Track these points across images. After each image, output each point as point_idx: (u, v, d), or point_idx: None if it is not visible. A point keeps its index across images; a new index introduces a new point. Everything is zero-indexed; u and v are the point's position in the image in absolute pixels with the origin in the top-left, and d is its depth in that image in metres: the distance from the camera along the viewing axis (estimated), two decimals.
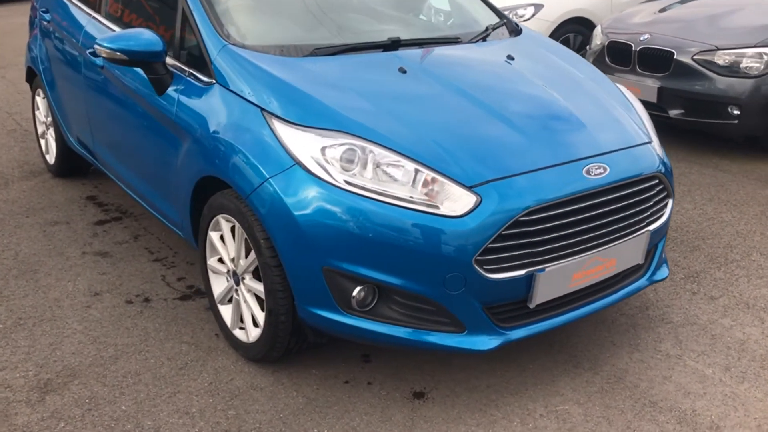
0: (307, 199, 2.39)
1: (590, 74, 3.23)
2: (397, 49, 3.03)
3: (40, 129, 4.98)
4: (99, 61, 3.53)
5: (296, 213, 2.40)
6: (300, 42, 2.97)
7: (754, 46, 5.23)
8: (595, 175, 2.51)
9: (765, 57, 5.16)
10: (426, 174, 2.37)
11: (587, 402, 2.66)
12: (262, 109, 2.60)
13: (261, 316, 2.70)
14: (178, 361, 2.88)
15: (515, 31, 3.53)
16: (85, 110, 3.89)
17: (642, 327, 3.14)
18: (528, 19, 7.58)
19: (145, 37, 2.94)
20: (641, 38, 5.69)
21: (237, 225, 2.67)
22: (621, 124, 2.85)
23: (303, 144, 2.46)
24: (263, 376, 2.78)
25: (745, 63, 5.24)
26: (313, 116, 2.52)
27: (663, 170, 2.76)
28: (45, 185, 4.74)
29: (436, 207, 2.32)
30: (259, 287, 2.66)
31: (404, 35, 3.16)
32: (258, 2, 3.28)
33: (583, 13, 7.40)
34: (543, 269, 2.41)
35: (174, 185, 3.07)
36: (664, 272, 2.97)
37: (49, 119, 4.75)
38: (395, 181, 2.38)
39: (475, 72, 2.96)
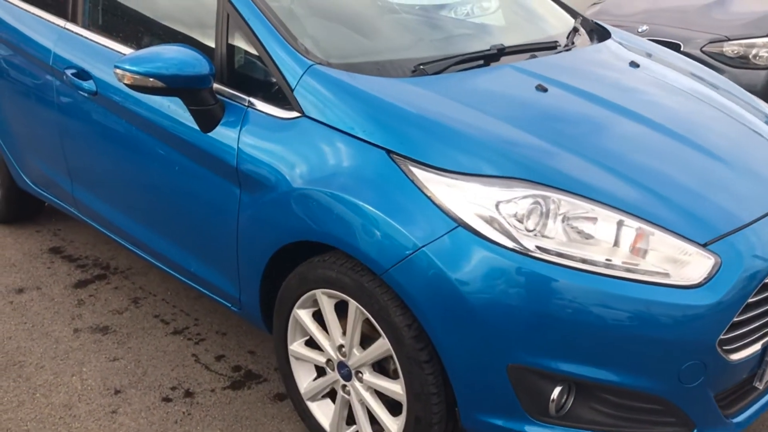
0: (482, 274, 1.75)
1: (722, 82, 2.76)
2: (498, 60, 2.43)
3: None
4: (88, 86, 2.71)
5: (467, 292, 1.76)
6: (393, 56, 2.30)
7: (765, 36, 4.98)
8: None
9: None
10: (637, 228, 1.79)
11: None
12: (390, 152, 1.93)
13: (390, 423, 2.05)
14: None
15: (596, 29, 3.00)
16: (60, 147, 3.04)
17: None
18: (494, 12, 7.12)
19: (184, 56, 2.20)
20: (640, 29, 5.32)
21: (355, 305, 2.00)
22: None
23: (466, 198, 1.81)
24: None
25: (755, 53, 4.97)
26: (471, 158, 1.88)
27: None
28: None
29: (664, 275, 1.75)
30: (390, 386, 2.01)
31: (496, 40, 2.55)
32: (320, 5, 2.57)
33: None
34: None
35: (229, 250, 2.34)
36: None
37: None
38: (592, 239, 1.79)
39: (628, 88, 2.39)
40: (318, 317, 2.20)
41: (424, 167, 1.87)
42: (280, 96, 2.17)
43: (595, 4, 6.20)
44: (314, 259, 2.11)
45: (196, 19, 2.48)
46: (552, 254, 1.75)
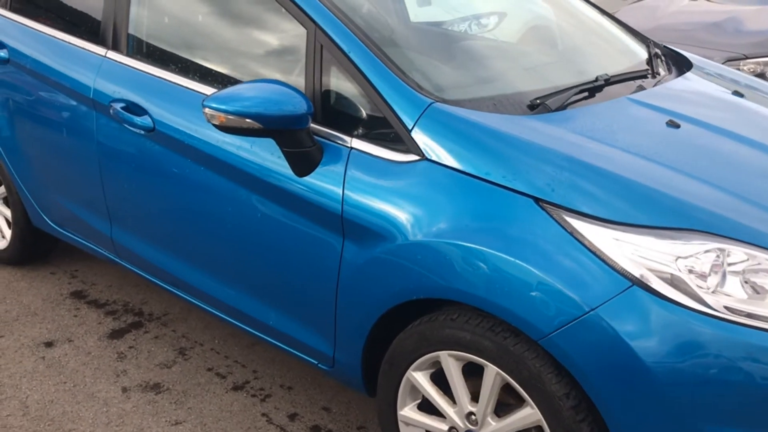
0: (667, 339, 1.58)
1: None
2: (601, 90, 2.26)
3: None
4: (142, 122, 2.45)
5: (649, 360, 1.58)
6: (501, 89, 2.12)
7: None
8: None
9: None
10: None
11: None
12: (538, 200, 1.74)
13: None
14: None
15: (668, 53, 2.86)
16: (99, 186, 2.76)
17: None
18: (492, 30, 7.01)
19: (282, 94, 1.98)
20: None
21: (495, 371, 1.80)
22: None
23: (638, 253, 1.64)
24: None
25: None
26: (638, 207, 1.70)
27: None
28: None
29: None
30: None
31: (583, 67, 2.40)
32: (415, 34, 2.37)
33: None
34: None
35: (324, 305, 2.12)
36: None
37: None
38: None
39: (752, 121, 2.25)
40: (436, 378, 1.99)
41: (583, 218, 1.69)
42: (392, 136, 1.96)
43: None
44: (438, 316, 1.90)
45: (280, 49, 2.26)
46: (741, 315, 1.58)
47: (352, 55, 2.03)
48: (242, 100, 1.97)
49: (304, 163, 2.05)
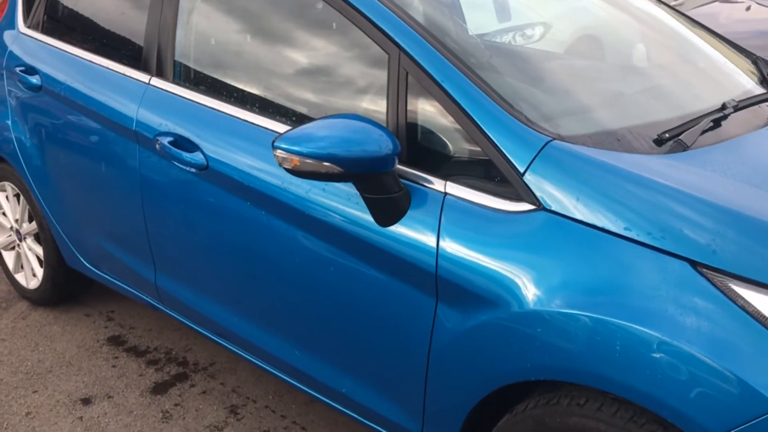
0: None
1: None
2: (727, 118, 1.93)
3: (2, 238, 3.41)
4: (193, 158, 2.16)
5: None
6: (622, 122, 1.79)
7: None
8: None
9: None
10: None
11: None
12: (696, 264, 1.41)
13: None
14: None
15: None
16: (141, 228, 2.48)
17: None
18: (537, 41, 6.69)
19: (365, 131, 1.67)
20: None
21: None
22: None
23: None
24: None
25: None
26: None
27: None
28: (30, 325, 3.20)
29: None
30: None
31: (710, 92, 2.07)
32: (508, 55, 2.05)
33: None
34: None
35: (410, 377, 1.80)
36: None
37: (27, 226, 3.23)
38: None
39: None
40: None
41: (758, 287, 1.36)
42: (497, 180, 1.64)
43: None
44: (560, 400, 1.57)
45: (355, 77, 1.94)
46: None
47: (445, 84, 1.71)
48: (318, 140, 1.66)
49: (388, 211, 1.73)
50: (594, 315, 1.45)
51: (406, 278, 1.75)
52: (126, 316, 3.26)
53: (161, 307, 2.64)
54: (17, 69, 2.91)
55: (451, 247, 1.65)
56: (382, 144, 1.67)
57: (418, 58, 1.76)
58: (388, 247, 1.75)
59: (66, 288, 3.27)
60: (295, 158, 1.66)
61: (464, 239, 1.64)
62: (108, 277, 2.87)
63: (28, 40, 2.94)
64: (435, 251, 1.68)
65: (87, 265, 2.95)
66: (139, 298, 2.75)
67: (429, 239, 1.69)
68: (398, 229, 1.74)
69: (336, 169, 1.65)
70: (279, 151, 1.67)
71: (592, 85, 2.03)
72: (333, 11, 1.93)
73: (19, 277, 3.38)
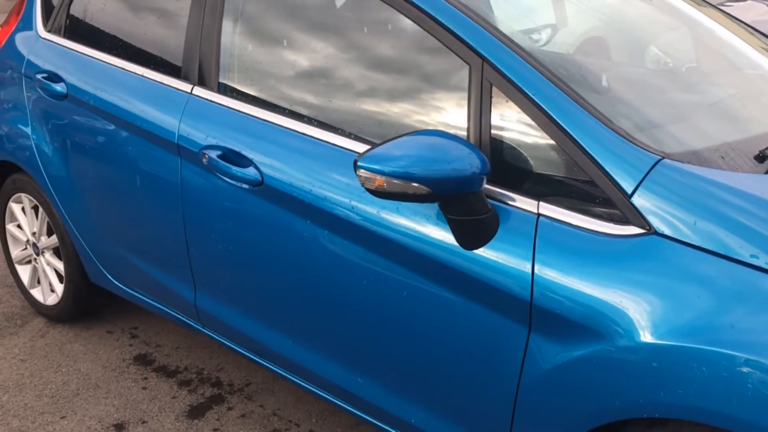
0: None
1: None
2: None
3: (17, 251, 3.26)
4: (245, 174, 2.03)
5: None
6: (721, 137, 1.69)
7: None
8: None
9: None
10: None
11: None
12: None
13: None
14: None
15: None
16: (182, 246, 2.34)
17: None
18: (544, 45, 6.59)
19: (450, 149, 1.55)
20: None
21: None
22: None
23: None
24: None
25: None
26: None
27: None
28: (50, 344, 3.04)
29: None
30: None
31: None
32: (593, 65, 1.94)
33: None
34: None
35: (496, 410, 1.69)
36: None
37: (46, 240, 3.08)
38: None
39: None
40: None
41: None
42: (599, 201, 1.53)
43: None
44: None
45: (432, 88, 1.82)
46: None
47: (538, 98, 1.60)
48: (402, 158, 1.54)
49: (475, 234, 1.62)
50: (722, 350, 1.34)
51: (493, 305, 1.63)
52: (151, 333, 3.12)
53: (198, 327, 2.51)
54: (39, 76, 2.76)
55: (549, 272, 1.54)
56: (470, 162, 1.55)
57: (502, 68, 1.65)
58: (474, 272, 1.64)
59: (87, 304, 3.12)
60: (380, 178, 1.54)
61: (564, 264, 1.53)
62: (138, 295, 2.73)
63: (50, 46, 2.79)
64: (530, 277, 1.56)
65: (114, 281, 2.80)
66: (173, 317, 2.62)
67: (523, 264, 1.57)
68: (486, 252, 1.62)
69: (424, 189, 1.53)
70: (362, 171, 1.55)
71: (687, 97, 1.93)
72: (401, 16, 1.81)
73: (36, 293, 3.22)
